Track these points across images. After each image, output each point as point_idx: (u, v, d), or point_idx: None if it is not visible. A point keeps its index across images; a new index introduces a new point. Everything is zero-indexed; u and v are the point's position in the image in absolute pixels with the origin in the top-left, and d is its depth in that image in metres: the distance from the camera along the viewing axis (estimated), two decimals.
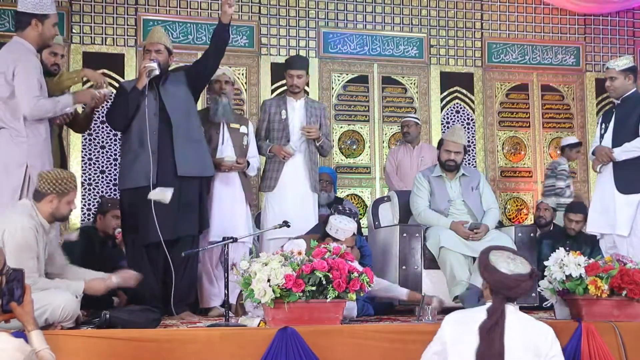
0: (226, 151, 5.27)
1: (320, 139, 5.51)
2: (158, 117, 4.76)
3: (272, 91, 7.54)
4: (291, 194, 5.43)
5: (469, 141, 8.03)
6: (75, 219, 6.95)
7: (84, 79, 5.28)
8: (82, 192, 7.06)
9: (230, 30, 4.95)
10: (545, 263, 4.10)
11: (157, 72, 4.71)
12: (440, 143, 5.52)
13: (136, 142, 4.77)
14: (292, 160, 5.47)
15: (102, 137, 7.23)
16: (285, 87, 5.90)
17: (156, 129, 4.73)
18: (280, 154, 5.42)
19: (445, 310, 4.69)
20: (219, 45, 4.97)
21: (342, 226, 4.47)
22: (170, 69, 4.98)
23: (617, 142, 5.04)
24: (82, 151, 7.17)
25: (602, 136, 5.18)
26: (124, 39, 7.39)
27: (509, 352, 2.79)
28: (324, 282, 3.55)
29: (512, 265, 2.93)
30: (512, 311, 2.92)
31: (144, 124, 4.72)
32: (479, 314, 2.91)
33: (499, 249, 3.04)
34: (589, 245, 5.95)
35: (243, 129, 5.41)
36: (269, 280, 3.52)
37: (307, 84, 7.58)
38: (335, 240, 4.41)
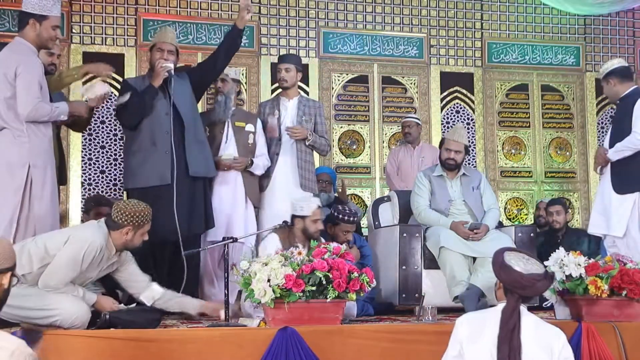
0: (227, 150, 5.27)
1: (309, 138, 5.45)
2: (170, 116, 4.77)
3: (272, 91, 7.52)
4: (281, 194, 5.39)
5: (469, 141, 8.02)
6: (76, 219, 6.95)
7: (89, 75, 5.22)
8: (82, 192, 7.07)
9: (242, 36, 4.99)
10: (546, 263, 4.10)
11: (172, 72, 4.79)
12: (442, 142, 5.52)
13: (147, 141, 4.77)
14: (282, 160, 5.44)
15: (102, 137, 7.22)
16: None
17: (169, 129, 4.74)
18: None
19: (444, 310, 4.71)
20: (230, 49, 5.00)
21: (303, 203, 4.56)
22: None
23: (614, 142, 5.04)
24: (82, 151, 7.17)
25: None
26: (124, 39, 7.38)
27: (526, 351, 2.82)
28: (324, 282, 3.56)
29: (528, 265, 2.95)
30: (524, 312, 2.94)
31: (155, 123, 4.73)
32: (491, 314, 2.94)
33: (512, 250, 3.09)
34: (582, 236, 5.95)
35: (249, 127, 5.39)
36: (269, 280, 3.52)
37: (307, 84, 7.61)
38: (303, 218, 4.46)
